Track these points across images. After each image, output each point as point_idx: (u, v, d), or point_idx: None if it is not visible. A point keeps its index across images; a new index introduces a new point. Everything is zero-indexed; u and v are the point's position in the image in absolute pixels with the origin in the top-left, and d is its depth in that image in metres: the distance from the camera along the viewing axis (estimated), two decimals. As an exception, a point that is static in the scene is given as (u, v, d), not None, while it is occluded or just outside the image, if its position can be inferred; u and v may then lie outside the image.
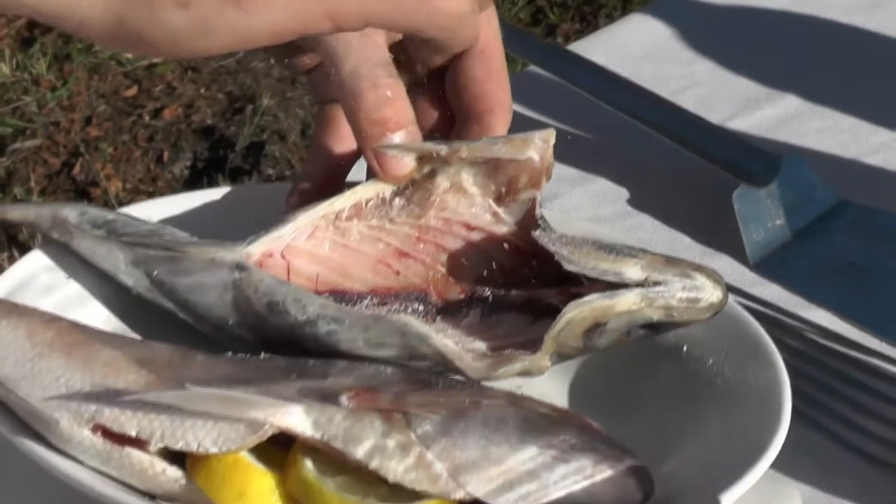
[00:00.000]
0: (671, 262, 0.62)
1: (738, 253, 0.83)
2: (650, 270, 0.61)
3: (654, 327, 0.62)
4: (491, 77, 0.69)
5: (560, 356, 0.63)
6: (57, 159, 2.19)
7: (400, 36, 0.68)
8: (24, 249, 1.83)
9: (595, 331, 0.62)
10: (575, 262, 0.62)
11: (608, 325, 0.62)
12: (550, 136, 0.65)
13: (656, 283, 0.61)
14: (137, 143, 2.22)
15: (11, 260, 1.88)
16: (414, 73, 0.70)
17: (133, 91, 2.33)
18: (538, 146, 0.64)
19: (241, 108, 2.27)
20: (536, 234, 0.64)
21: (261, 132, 2.21)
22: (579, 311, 0.61)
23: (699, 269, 0.62)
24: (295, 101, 2.27)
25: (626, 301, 0.61)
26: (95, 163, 2.17)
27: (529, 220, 0.65)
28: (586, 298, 0.61)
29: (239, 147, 2.19)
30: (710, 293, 0.62)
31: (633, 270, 0.61)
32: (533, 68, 0.95)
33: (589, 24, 2.41)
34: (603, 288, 0.61)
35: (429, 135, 0.69)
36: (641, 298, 0.61)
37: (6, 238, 2.00)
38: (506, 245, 0.66)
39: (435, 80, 0.71)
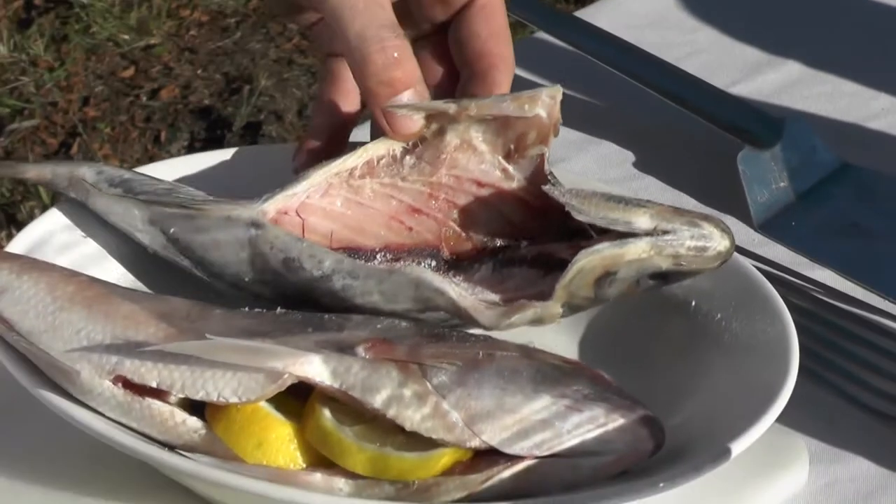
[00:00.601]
0: (679, 212, 0.63)
1: (742, 214, 0.83)
2: (659, 220, 0.62)
3: (663, 277, 0.63)
4: (494, 33, 0.70)
5: (571, 307, 0.63)
6: (55, 139, 2.19)
7: None
8: (21, 228, 1.83)
9: (605, 280, 0.62)
10: (585, 212, 0.62)
11: (618, 274, 0.62)
12: (557, 92, 0.65)
13: (665, 232, 0.62)
14: (135, 123, 2.22)
15: (10, 238, 1.88)
16: (418, 28, 0.71)
17: (130, 72, 2.32)
18: (546, 103, 0.65)
19: (238, 88, 2.27)
20: (546, 187, 0.64)
21: (258, 112, 2.21)
22: (590, 260, 0.61)
23: (707, 218, 0.63)
24: (291, 81, 2.27)
25: (636, 249, 0.62)
26: (93, 143, 2.17)
27: (539, 176, 0.66)
28: (597, 247, 0.61)
29: (236, 127, 2.19)
30: (718, 242, 0.63)
31: (642, 220, 0.62)
32: (540, 34, 0.95)
33: (584, 5, 2.41)
34: (612, 239, 0.62)
35: (433, 90, 0.70)
36: (651, 247, 0.62)
37: (4, 217, 2.01)
38: (516, 201, 0.66)
39: (438, 35, 0.71)
